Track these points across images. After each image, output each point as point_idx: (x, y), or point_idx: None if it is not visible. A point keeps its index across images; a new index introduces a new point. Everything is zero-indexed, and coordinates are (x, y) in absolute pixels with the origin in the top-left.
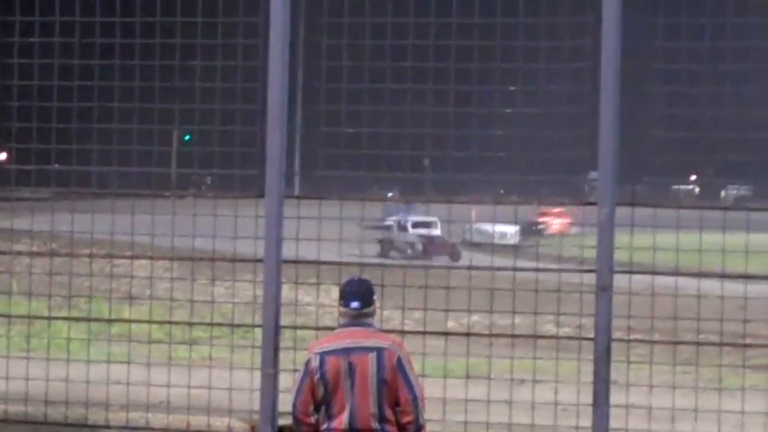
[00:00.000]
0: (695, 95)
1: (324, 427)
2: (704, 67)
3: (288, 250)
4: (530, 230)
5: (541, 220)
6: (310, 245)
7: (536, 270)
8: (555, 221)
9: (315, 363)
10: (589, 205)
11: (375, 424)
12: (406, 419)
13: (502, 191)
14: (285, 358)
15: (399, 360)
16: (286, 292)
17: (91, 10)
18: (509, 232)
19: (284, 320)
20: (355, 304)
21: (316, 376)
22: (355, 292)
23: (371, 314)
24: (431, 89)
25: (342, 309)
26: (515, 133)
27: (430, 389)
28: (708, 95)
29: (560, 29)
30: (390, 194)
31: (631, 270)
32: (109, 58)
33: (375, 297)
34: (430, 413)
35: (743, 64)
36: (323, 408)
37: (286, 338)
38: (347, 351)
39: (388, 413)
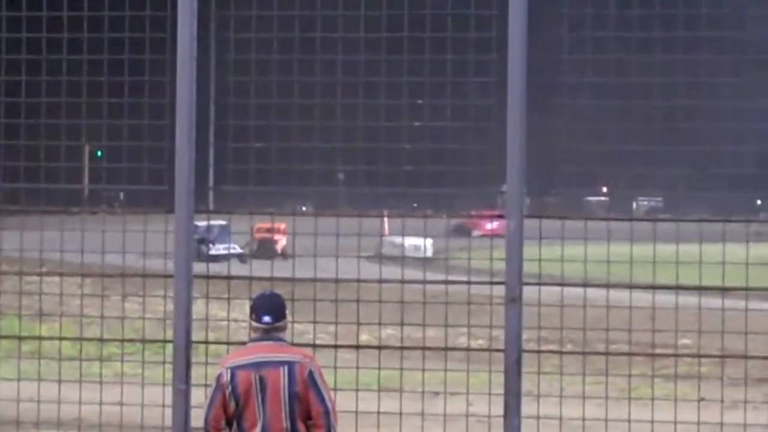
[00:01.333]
0: (602, 108)
1: None
2: (610, 80)
3: (198, 266)
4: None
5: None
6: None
7: (446, 282)
8: (489, 224)
9: (226, 377)
10: (499, 218)
11: None
12: None
13: (414, 204)
14: (197, 374)
15: (310, 373)
16: (198, 307)
17: None
18: (422, 245)
19: (196, 335)
20: (266, 319)
21: (228, 391)
22: (267, 306)
23: (283, 328)
24: (340, 103)
25: (254, 324)
26: (425, 147)
27: (342, 402)
28: (616, 108)
29: (467, 44)
30: (303, 208)
31: (540, 282)
32: (17, 74)
33: (287, 311)
34: (342, 426)
35: (649, 77)
36: (235, 423)
37: (198, 353)
38: (258, 365)
39: (301, 427)
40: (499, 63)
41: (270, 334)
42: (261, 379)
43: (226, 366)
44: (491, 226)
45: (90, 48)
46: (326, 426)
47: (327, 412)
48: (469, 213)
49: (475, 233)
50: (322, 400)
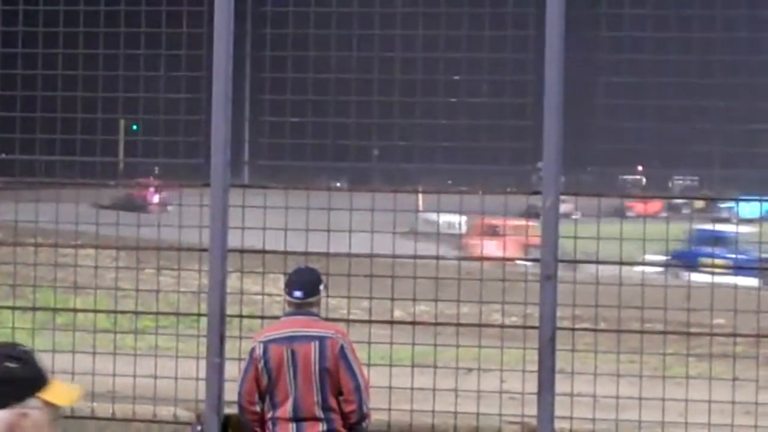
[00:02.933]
0: (641, 85)
1: (269, 415)
2: (649, 57)
3: (234, 239)
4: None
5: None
6: (257, 234)
7: (482, 259)
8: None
9: (259, 351)
10: (535, 194)
11: (319, 413)
12: (349, 408)
13: (449, 181)
14: (231, 347)
15: (342, 348)
16: (232, 282)
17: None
18: (456, 221)
19: (230, 309)
20: (297, 294)
21: (260, 365)
22: (299, 281)
23: (315, 304)
24: (376, 78)
25: (287, 298)
26: (460, 123)
27: (376, 378)
28: (654, 85)
29: (504, 19)
30: (338, 184)
31: (575, 259)
32: (54, 47)
33: (321, 287)
34: (376, 402)
35: (688, 55)
36: (267, 397)
37: (232, 327)
38: (290, 339)
39: (332, 402)
40: (536, 39)
41: (302, 308)
42: (293, 354)
43: (259, 340)
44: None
45: (127, 21)
46: (357, 401)
47: (358, 388)
48: (506, 190)
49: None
50: (354, 375)
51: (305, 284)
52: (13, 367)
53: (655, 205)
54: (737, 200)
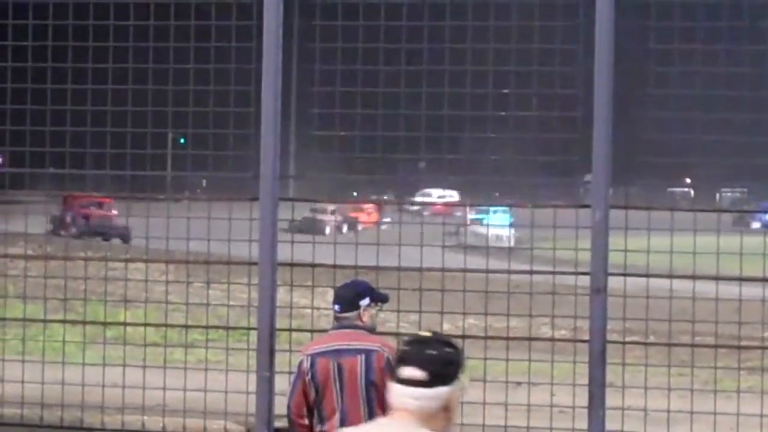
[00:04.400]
0: (689, 98)
1: (317, 429)
2: (697, 69)
3: (283, 253)
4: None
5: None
6: (306, 248)
7: (531, 272)
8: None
9: (306, 364)
10: (584, 207)
11: None
12: None
13: (497, 194)
14: (281, 361)
15: (388, 362)
16: (281, 295)
17: (84, 14)
18: (504, 234)
19: (280, 323)
20: (336, 307)
21: (308, 378)
22: (338, 295)
23: (354, 318)
24: (425, 92)
25: (333, 311)
26: (509, 136)
27: None
28: (701, 98)
29: (553, 32)
30: (385, 197)
31: (625, 272)
32: (104, 61)
33: (363, 301)
34: None
35: (737, 67)
36: (315, 410)
37: (281, 341)
38: (337, 353)
39: (379, 415)
40: (585, 52)
41: (342, 322)
42: (339, 367)
43: (306, 353)
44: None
45: (177, 35)
46: None
47: None
48: (555, 203)
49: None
50: None
51: (343, 298)
52: (451, 351)
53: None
54: None
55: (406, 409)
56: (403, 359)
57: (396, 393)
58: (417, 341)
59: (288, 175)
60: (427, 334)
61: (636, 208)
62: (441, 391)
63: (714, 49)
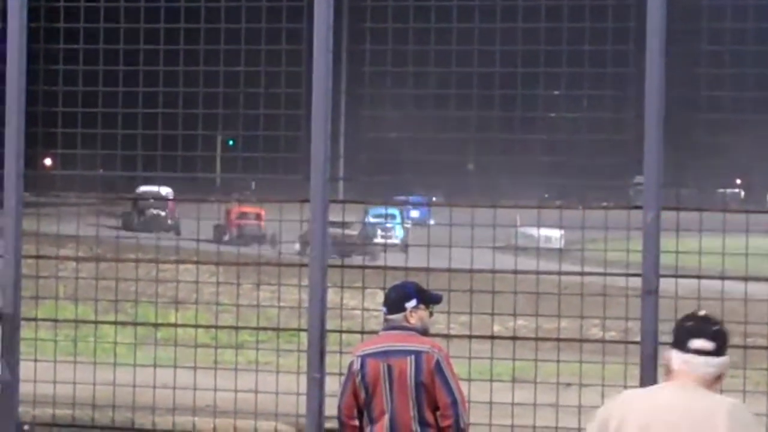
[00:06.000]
0: (740, 99)
1: (367, 430)
2: (749, 71)
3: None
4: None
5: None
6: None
7: (582, 273)
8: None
9: (356, 365)
10: (635, 209)
11: (416, 427)
12: (445, 423)
13: (546, 195)
14: (331, 362)
15: (437, 363)
16: (331, 296)
17: (135, 17)
18: (554, 236)
19: (330, 324)
20: (383, 309)
21: (358, 379)
22: (387, 297)
23: (400, 319)
24: (475, 93)
25: (382, 313)
26: (559, 138)
27: (476, 393)
28: (753, 99)
29: (604, 34)
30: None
31: (677, 274)
32: (155, 64)
33: (409, 303)
34: (476, 417)
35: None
36: (365, 411)
37: (331, 342)
38: (386, 354)
39: (429, 416)
40: (636, 53)
41: (389, 323)
42: (389, 368)
43: (357, 354)
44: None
45: (227, 38)
46: (454, 416)
47: (455, 402)
48: (605, 205)
49: None
50: (450, 390)
51: (389, 300)
52: (725, 328)
53: None
54: None
55: (691, 375)
56: (693, 332)
57: (684, 360)
58: (700, 318)
59: (338, 177)
60: (703, 312)
61: (687, 209)
62: (722, 360)
63: (765, 49)
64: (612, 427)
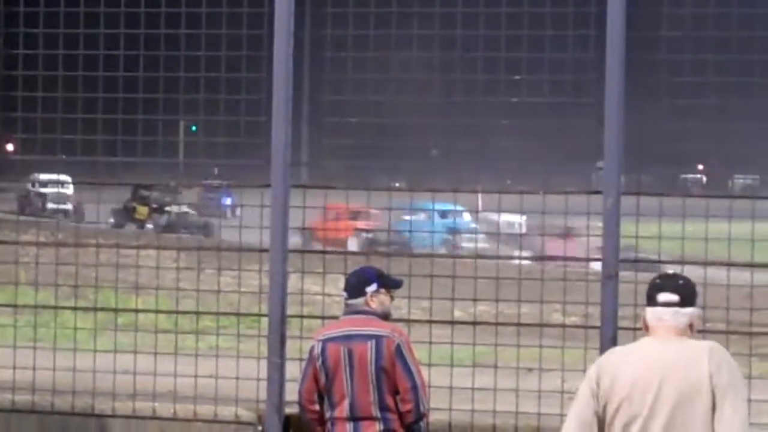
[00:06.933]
0: (701, 85)
1: (327, 415)
2: (709, 57)
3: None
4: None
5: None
6: None
7: (542, 258)
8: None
9: (317, 350)
10: (595, 194)
11: (376, 412)
12: (405, 407)
13: (509, 181)
14: (292, 348)
15: (398, 347)
16: (293, 282)
17: (95, 1)
18: (516, 221)
19: (291, 310)
20: (344, 294)
21: (318, 363)
22: (348, 281)
23: (361, 304)
24: (437, 79)
25: (343, 298)
26: (521, 123)
27: (436, 378)
28: (714, 85)
29: (565, 19)
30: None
31: (637, 259)
32: (115, 48)
33: (369, 288)
34: (436, 402)
35: (749, 54)
36: (326, 396)
37: (292, 327)
38: (347, 338)
39: (389, 401)
40: (597, 38)
41: (350, 308)
42: (349, 353)
43: (318, 338)
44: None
45: (188, 23)
46: (414, 401)
47: (415, 387)
48: (567, 190)
49: None
50: (410, 374)
51: (350, 285)
52: (691, 282)
53: None
54: None
55: (664, 326)
56: (660, 288)
57: (656, 314)
58: (667, 275)
59: (300, 162)
60: (671, 271)
61: (647, 194)
62: (689, 310)
63: (726, 35)
64: (604, 384)
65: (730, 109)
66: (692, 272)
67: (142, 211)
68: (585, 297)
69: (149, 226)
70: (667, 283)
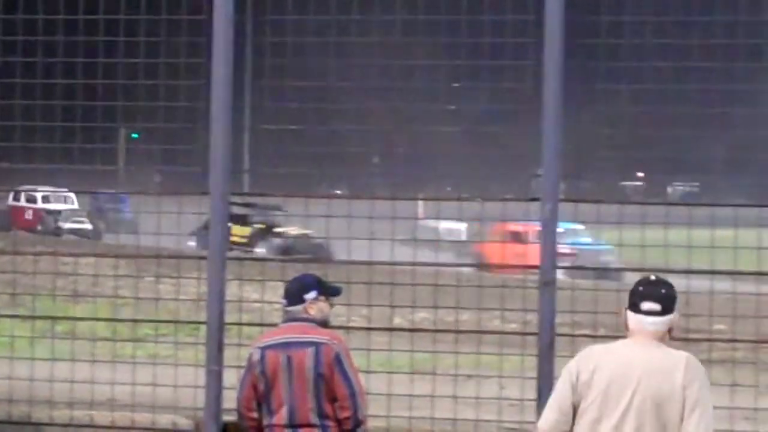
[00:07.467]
0: (641, 92)
1: (266, 422)
2: (648, 64)
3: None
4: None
5: None
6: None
7: (480, 266)
8: None
9: (256, 357)
10: (533, 201)
11: (314, 419)
12: (344, 414)
13: (449, 188)
14: (231, 355)
15: (337, 355)
16: (232, 289)
17: (32, 8)
18: (457, 228)
19: (230, 317)
20: (283, 301)
21: (257, 371)
22: (287, 289)
23: (300, 311)
24: (376, 86)
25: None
26: (462, 130)
27: (375, 385)
28: (653, 92)
29: (503, 27)
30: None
31: (574, 266)
32: (53, 55)
33: (308, 295)
34: (375, 409)
35: (687, 62)
36: (264, 403)
37: (232, 335)
38: (286, 345)
39: (328, 408)
40: (536, 46)
41: (289, 315)
42: (288, 360)
43: (256, 346)
44: None
45: (127, 29)
46: (353, 408)
47: (353, 394)
48: (505, 197)
49: None
50: (349, 382)
51: (289, 292)
52: (673, 289)
53: None
54: (736, 206)
55: (645, 332)
56: (644, 296)
57: (638, 321)
58: (650, 283)
59: (242, 169)
60: (654, 277)
61: (585, 201)
62: (669, 318)
63: (664, 43)
64: (582, 380)
65: (671, 116)
66: (631, 278)
67: (242, 231)
68: (525, 304)
69: (258, 250)
70: (650, 291)
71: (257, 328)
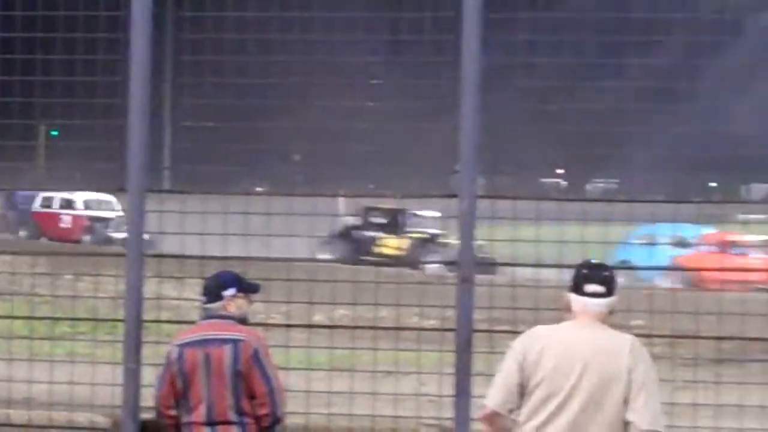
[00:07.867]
0: (559, 89)
1: (184, 420)
2: (566, 61)
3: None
4: None
5: None
6: (176, 239)
7: (399, 264)
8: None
9: (174, 355)
10: (451, 197)
11: (233, 416)
12: (261, 411)
13: (371, 185)
14: (149, 353)
15: (255, 352)
16: (151, 287)
17: None
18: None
19: (149, 315)
20: (202, 298)
21: (175, 368)
22: (205, 286)
23: (218, 308)
24: (296, 83)
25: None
26: (381, 126)
27: (294, 382)
28: (572, 89)
29: (422, 23)
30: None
31: (491, 261)
32: None
33: (226, 292)
34: (294, 406)
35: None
36: (183, 400)
37: (150, 333)
38: (204, 343)
39: (246, 405)
40: (454, 42)
41: (207, 312)
42: (206, 357)
43: (175, 343)
44: None
45: (44, 26)
46: (271, 405)
47: (271, 391)
48: (424, 193)
49: None
50: (267, 379)
51: (207, 289)
52: (614, 272)
53: None
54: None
55: (589, 313)
56: (588, 278)
57: (583, 302)
58: (593, 266)
59: (162, 166)
60: (597, 261)
61: (502, 198)
62: (611, 300)
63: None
64: (530, 360)
65: (592, 112)
66: (548, 275)
67: (394, 244)
68: (442, 300)
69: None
70: (593, 274)
71: (176, 326)
